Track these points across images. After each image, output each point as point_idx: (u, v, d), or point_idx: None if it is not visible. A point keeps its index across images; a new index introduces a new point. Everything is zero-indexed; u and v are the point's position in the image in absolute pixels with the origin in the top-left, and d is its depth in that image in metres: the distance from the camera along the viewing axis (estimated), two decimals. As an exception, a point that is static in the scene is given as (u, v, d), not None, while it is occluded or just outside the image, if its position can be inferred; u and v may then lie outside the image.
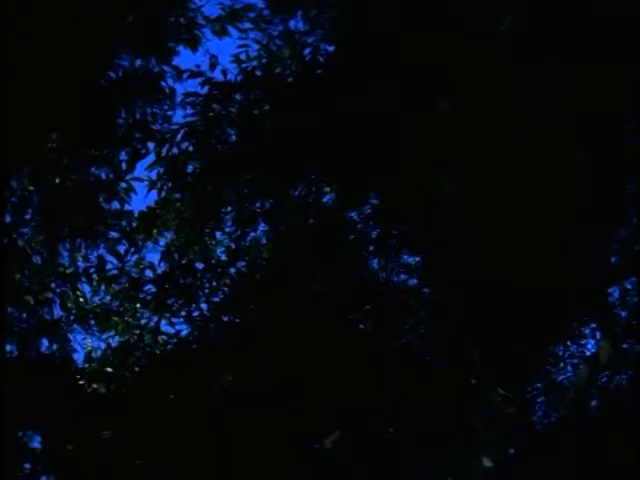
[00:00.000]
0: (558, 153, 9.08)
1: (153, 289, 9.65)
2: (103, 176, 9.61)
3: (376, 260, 10.39)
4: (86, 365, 9.35)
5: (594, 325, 10.70)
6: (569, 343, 10.84)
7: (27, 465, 8.39)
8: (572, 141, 9.08)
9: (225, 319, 9.58)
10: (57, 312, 9.37)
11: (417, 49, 9.19)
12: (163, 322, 9.59)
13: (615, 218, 9.82)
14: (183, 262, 9.76)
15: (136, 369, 9.18)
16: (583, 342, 10.76)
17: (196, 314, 9.57)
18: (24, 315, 8.85)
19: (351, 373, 8.57)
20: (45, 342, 9.02)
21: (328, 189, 10.45)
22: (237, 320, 9.50)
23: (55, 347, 8.99)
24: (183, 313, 9.55)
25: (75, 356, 9.41)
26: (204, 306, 9.61)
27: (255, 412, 8.31)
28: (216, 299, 9.69)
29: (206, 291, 9.67)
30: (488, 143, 9.21)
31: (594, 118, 8.93)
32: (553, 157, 9.07)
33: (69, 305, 9.45)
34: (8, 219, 8.76)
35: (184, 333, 9.48)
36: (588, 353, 10.67)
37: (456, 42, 9.16)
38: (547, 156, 9.05)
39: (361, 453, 7.89)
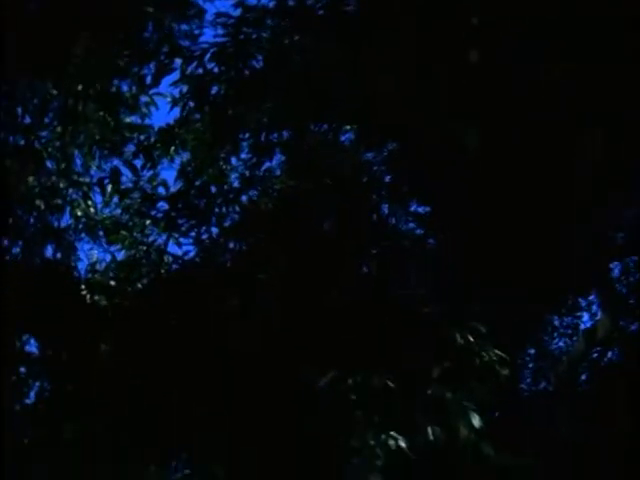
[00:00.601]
0: (569, 128, 8.84)
1: (165, 207, 9.34)
2: (126, 88, 9.27)
3: (387, 205, 10.17)
4: (89, 276, 9.09)
5: (590, 298, 10.54)
6: (564, 311, 10.68)
7: (22, 369, 8.18)
8: (584, 119, 8.84)
9: (232, 245, 9.31)
10: (66, 220, 9.08)
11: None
12: (170, 242, 9.32)
13: (621, 196, 9.63)
14: (197, 183, 9.43)
15: (139, 285, 8.91)
16: (578, 314, 10.62)
17: (205, 237, 9.28)
18: (32, 219, 8.50)
19: (352, 314, 8.35)
20: (51, 248, 8.73)
21: (348, 127, 10.16)
22: (244, 248, 9.22)
23: (59, 255, 8.67)
24: (192, 234, 9.26)
25: (79, 265, 9.15)
26: (214, 230, 9.33)
27: (257, 340, 8.08)
28: (226, 224, 9.41)
29: (216, 216, 9.37)
30: (509, 100, 8.93)
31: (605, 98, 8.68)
32: (563, 131, 8.84)
33: (79, 214, 9.12)
34: (28, 120, 8.39)
35: (190, 255, 9.23)
36: (582, 326, 10.54)
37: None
38: (558, 130, 8.82)
39: (356, 398, 7.69)
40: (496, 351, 8.04)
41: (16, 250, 8.36)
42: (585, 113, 8.71)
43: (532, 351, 10.28)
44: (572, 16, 8.48)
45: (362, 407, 7.72)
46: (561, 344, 10.46)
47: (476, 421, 7.56)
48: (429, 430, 7.56)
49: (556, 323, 10.51)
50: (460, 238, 9.47)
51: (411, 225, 10.25)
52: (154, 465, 7.71)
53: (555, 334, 10.47)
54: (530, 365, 10.20)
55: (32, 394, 8.06)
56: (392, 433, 7.57)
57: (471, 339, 8.03)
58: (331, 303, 8.42)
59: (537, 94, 8.64)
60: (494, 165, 9.11)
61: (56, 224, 8.72)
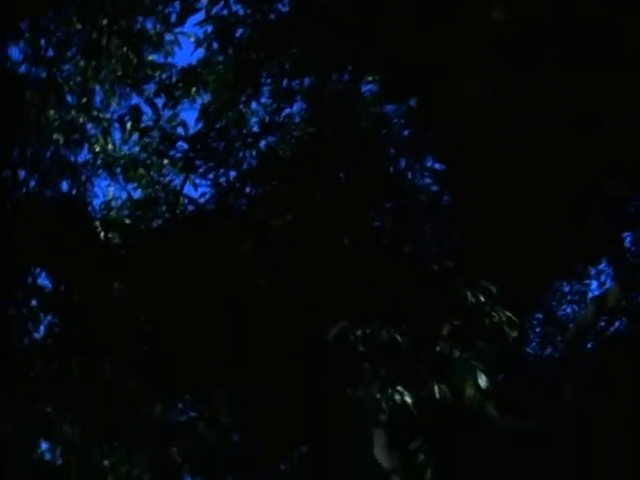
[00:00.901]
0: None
1: (184, 147, 9.09)
2: (150, 25, 8.97)
3: (404, 159, 9.95)
4: (104, 213, 8.89)
5: (600, 266, 10.35)
6: (573, 278, 10.47)
7: (34, 302, 8.02)
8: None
9: (248, 190, 9.10)
10: (84, 155, 8.84)
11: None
12: (187, 184, 9.09)
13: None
14: (217, 126, 9.17)
15: (154, 225, 8.72)
16: (587, 282, 10.41)
17: (222, 180, 9.05)
18: (48, 153, 8.25)
19: (365, 267, 8.18)
20: (66, 184, 8.50)
21: (370, 78, 9.89)
22: (260, 193, 9.01)
23: (75, 190, 8.44)
24: (210, 177, 9.04)
25: (95, 202, 8.93)
26: (231, 173, 9.10)
27: (269, 288, 7.92)
28: (243, 168, 9.18)
29: (235, 159, 9.14)
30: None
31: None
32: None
33: (97, 150, 8.88)
34: (50, 53, 8.11)
35: (206, 198, 9.01)
36: (590, 293, 10.36)
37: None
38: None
39: (364, 350, 7.56)
40: (507, 312, 7.89)
41: (32, 183, 8.15)
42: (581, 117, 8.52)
43: (540, 316, 10.11)
44: (568, 20, 8.25)
45: (370, 359, 7.60)
46: (569, 310, 10.30)
47: (482, 381, 7.43)
48: (435, 387, 7.45)
49: (565, 289, 10.33)
50: (474, 200, 9.28)
51: (427, 181, 10.05)
52: (160, 405, 7.62)
53: (563, 300, 10.30)
54: (537, 330, 10.05)
55: (42, 328, 7.96)
56: (398, 388, 7.46)
57: (482, 299, 7.87)
58: (344, 254, 8.25)
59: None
60: (509, 132, 8.90)
61: (73, 159, 8.50)
